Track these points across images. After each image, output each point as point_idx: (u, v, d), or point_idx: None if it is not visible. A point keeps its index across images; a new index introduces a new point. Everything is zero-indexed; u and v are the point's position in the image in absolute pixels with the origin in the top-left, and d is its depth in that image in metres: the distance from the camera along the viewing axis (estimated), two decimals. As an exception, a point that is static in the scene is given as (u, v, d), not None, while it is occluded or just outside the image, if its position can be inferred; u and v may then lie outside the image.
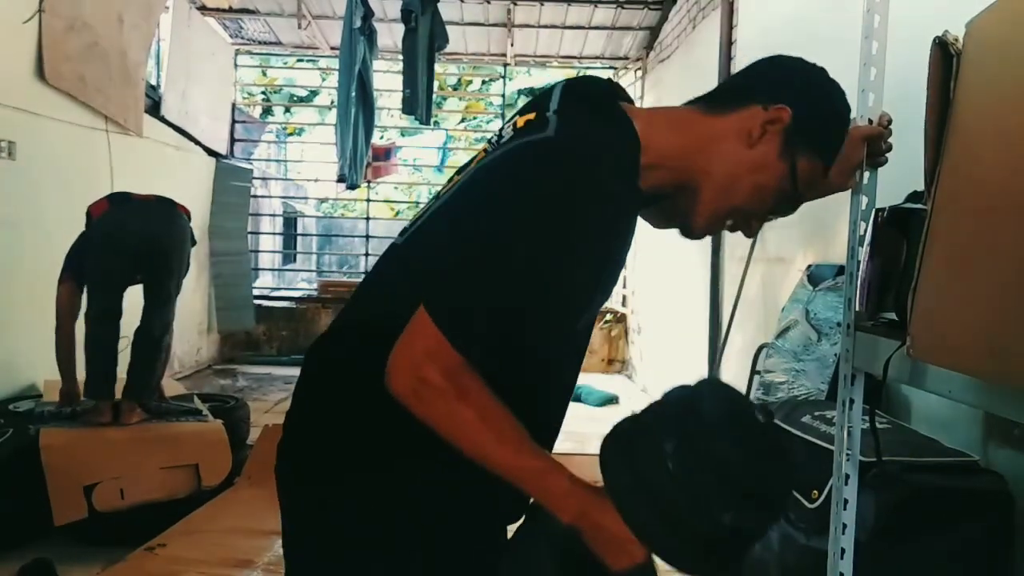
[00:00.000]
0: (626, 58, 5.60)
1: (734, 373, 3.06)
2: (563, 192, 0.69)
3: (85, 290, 2.51)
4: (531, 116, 0.78)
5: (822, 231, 2.35)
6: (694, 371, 3.70)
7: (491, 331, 0.69)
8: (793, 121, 0.79)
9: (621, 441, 0.71)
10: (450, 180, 0.87)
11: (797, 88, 0.82)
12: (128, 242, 2.51)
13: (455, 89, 10.35)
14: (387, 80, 6.34)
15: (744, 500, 0.65)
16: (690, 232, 0.85)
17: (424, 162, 9.37)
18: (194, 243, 2.78)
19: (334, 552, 0.79)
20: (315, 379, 0.82)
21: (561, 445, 3.41)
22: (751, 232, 0.86)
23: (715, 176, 0.80)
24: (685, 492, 0.64)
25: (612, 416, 3.48)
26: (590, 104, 0.78)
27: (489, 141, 0.84)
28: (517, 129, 0.78)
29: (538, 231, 0.69)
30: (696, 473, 0.64)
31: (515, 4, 4.97)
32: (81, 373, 2.61)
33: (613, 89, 0.84)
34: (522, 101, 3.00)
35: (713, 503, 0.64)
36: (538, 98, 0.82)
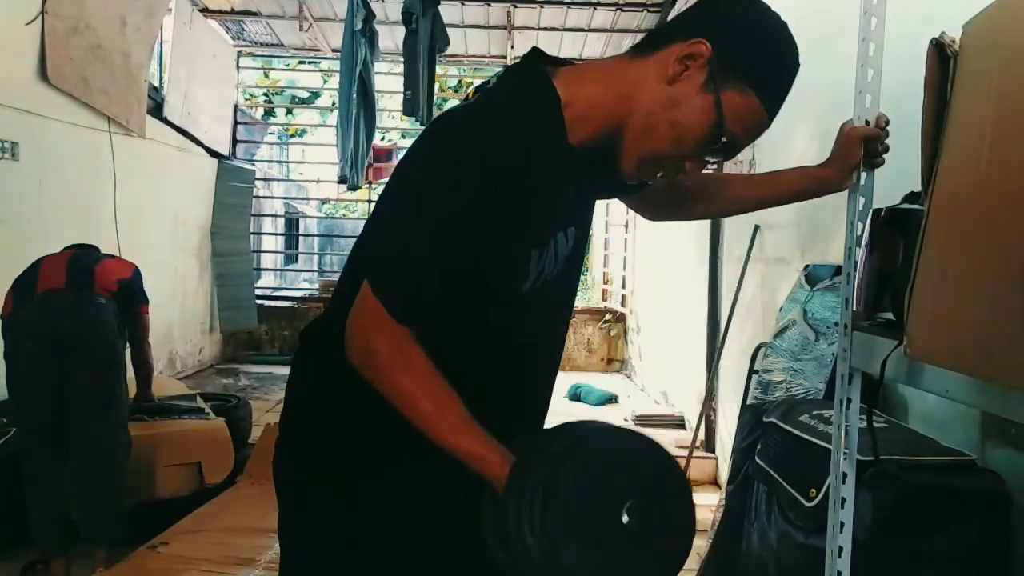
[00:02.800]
0: (626, 60, 5.61)
1: (732, 372, 3.07)
2: (448, 160, 0.73)
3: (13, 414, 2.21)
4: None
5: (820, 232, 2.35)
6: (693, 370, 3.70)
7: (420, 299, 0.73)
8: (716, 52, 0.76)
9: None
10: None
11: (720, 19, 0.79)
12: (36, 345, 2.13)
13: (456, 91, 10.35)
14: (388, 82, 6.36)
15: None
16: (621, 175, 0.84)
17: (425, 163, 9.35)
18: (119, 331, 2.30)
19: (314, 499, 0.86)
20: (293, 369, 0.91)
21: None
22: (686, 174, 0.83)
23: (635, 118, 0.78)
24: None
25: (612, 415, 3.52)
26: (514, 71, 0.81)
27: None
28: None
29: (433, 199, 0.73)
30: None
31: (515, 6, 4.98)
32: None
33: (541, 55, 0.84)
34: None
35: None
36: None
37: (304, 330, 0.91)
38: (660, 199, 1.09)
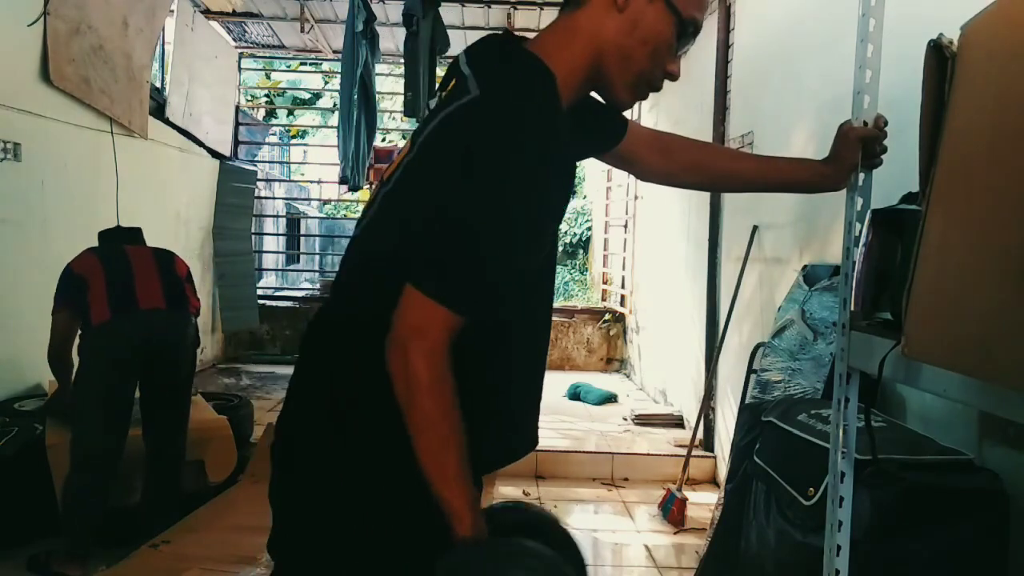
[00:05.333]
0: (626, 60, 5.61)
1: (731, 371, 3.08)
2: (501, 146, 0.75)
3: (76, 417, 2.25)
4: (453, 84, 0.84)
5: (818, 232, 2.36)
6: (692, 369, 3.71)
7: (467, 286, 0.74)
8: None
9: None
10: (391, 164, 0.92)
11: None
12: (133, 356, 2.25)
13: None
14: (389, 83, 6.38)
15: None
16: (620, 106, 0.90)
17: (426, 164, 9.35)
18: (198, 344, 2.53)
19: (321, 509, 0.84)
20: (299, 368, 0.89)
21: (560, 443, 3.48)
22: (673, 77, 0.88)
23: (609, 55, 0.84)
24: None
25: (611, 414, 3.53)
26: (499, 54, 0.85)
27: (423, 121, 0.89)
28: (443, 99, 0.84)
29: (486, 187, 0.74)
30: None
31: (515, 9, 4.99)
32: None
33: (509, 36, 0.89)
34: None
35: None
36: (452, 68, 0.87)
37: (312, 326, 0.89)
38: (645, 158, 1.10)
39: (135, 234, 2.56)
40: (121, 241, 2.47)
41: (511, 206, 0.74)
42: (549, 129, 0.76)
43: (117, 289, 2.27)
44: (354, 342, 0.83)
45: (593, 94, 0.92)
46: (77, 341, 2.32)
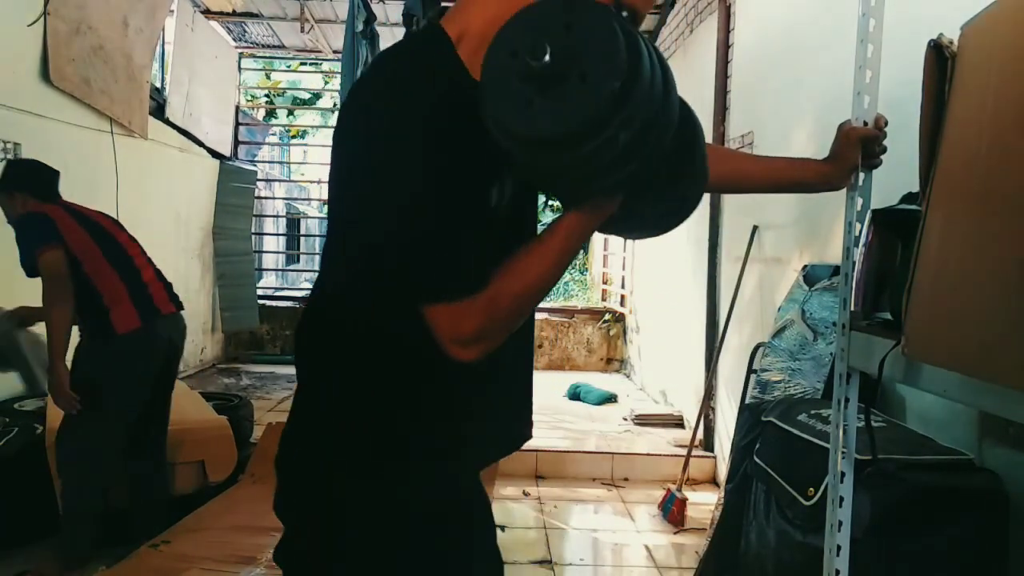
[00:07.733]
0: (627, 60, 5.61)
1: (731, 371, 3.08)
2: (393, 127, 0.72)
3: (89, 423, 2.17)
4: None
5: (818, 232, 2.36)
6: (692, 370, 3.71)
7: (461, 271, 0.73)
8: None
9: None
10: None
11: None
12: (156, 363, 2.27)
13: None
14: (389, 82, 6.36)
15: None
16: None
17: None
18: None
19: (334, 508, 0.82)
20: (300, 363, 0.87)
21: (560, 443, 3.46)
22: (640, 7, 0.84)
23: None
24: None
25: (611, 414, 3.52)
26: (403, 41, 0.82)
27: None
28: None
29: (400, 168, 0.71)
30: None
31: (516, 7, 4.99)
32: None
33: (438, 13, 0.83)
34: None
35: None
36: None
37: (307, 331, 0.86)
38: None
39: (113, 223, 2.44)
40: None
41: (427, 178, 0.71)
42: (434, 99, 0.72)
43: (134, 290, 2.23)
44: (347, 347, 0.81)
45: None
46: (85, 343, 2.24)
